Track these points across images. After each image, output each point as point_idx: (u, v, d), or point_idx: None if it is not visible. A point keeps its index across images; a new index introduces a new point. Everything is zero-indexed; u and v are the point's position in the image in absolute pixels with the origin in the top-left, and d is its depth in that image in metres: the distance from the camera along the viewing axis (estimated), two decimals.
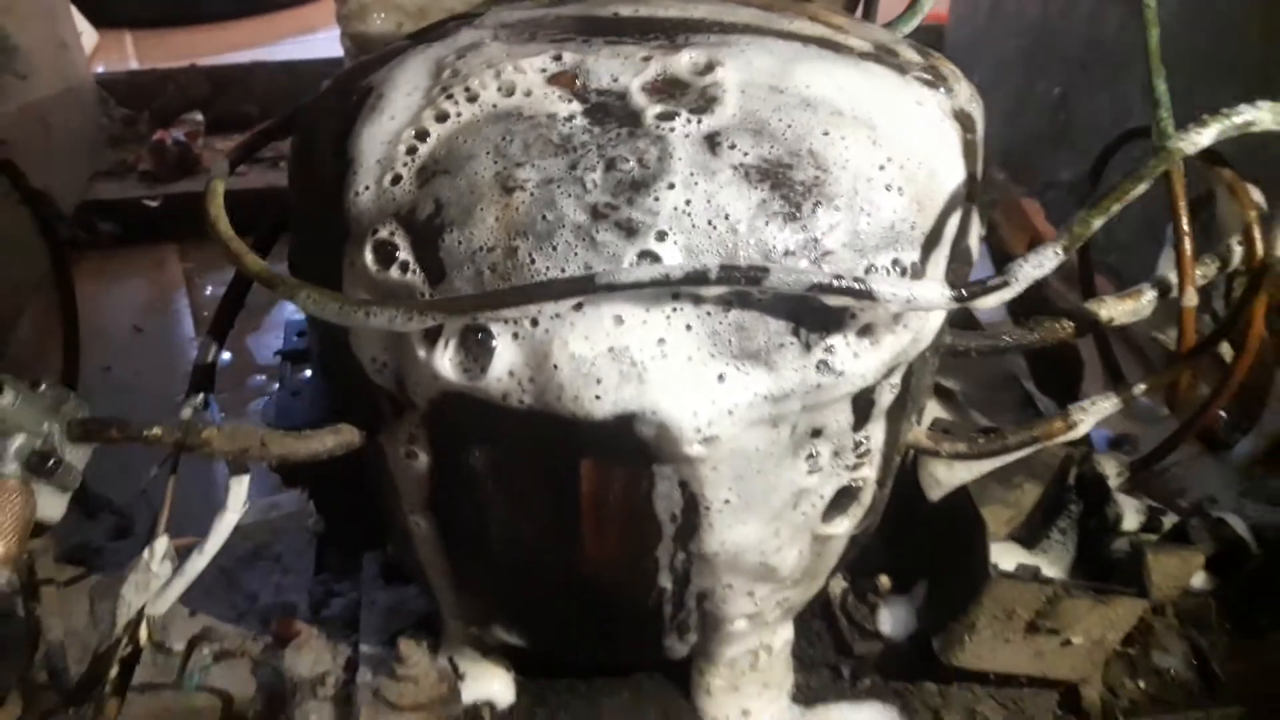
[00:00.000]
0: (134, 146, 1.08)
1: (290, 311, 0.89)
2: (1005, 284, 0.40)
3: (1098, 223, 0.40)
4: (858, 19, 0.52)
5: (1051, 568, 0.59)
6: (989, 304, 0.41)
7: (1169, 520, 0.59)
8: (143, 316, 0.92)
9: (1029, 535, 0.60)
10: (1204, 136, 0.39)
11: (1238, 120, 0.39)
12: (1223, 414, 0.59)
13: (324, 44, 1.46)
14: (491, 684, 0.57)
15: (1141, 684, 0.59)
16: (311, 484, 0.57)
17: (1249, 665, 0.60)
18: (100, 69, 1.18)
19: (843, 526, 0.50)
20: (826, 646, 0.60)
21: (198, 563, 0.45)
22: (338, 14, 0.67)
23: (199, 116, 1.09)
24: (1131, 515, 0.58)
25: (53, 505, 0.40)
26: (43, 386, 0.41)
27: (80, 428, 0.40)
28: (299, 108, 0.50)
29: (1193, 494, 0.68)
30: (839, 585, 0.60)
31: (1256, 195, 0.50)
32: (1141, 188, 0.40)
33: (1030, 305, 0.58)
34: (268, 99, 1.12)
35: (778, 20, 0.48)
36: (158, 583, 0.43)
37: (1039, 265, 0.40)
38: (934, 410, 0.62)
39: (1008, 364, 0.69)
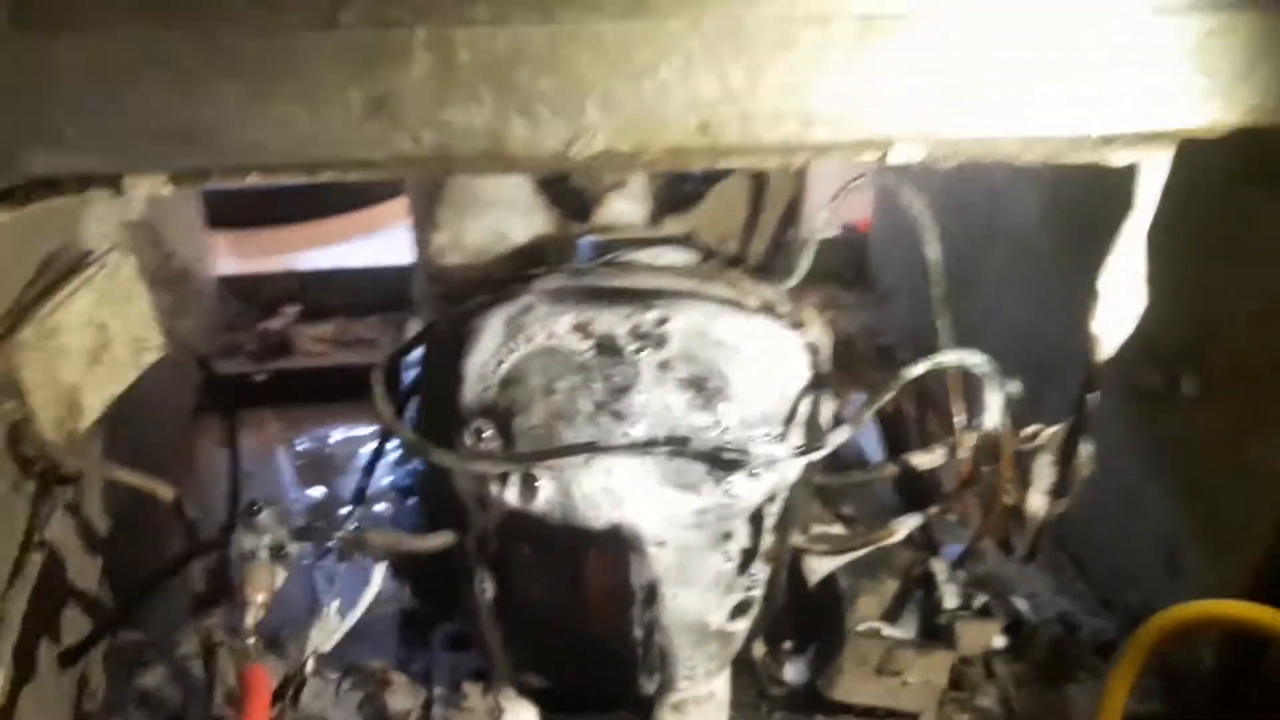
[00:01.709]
0: (242, 332, 1.39)
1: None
2: (819, 447, 0.71)
3: (867, 415, 0.71)
4: (757, 280, 0.83)
5: (905, 635, 0.87)
6: (815, 457, 0.71)
7: (979, 601, 0.88)
8: (252, 463, 1.18)
9: (889, 615, 0.88)
10: (915, 370, 0.71)
11: (932, 361, 0.70)
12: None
13: (381, 244, 1.78)
14: (523, 716, 0.84)
15: (966, 717, 0.87)
16: (412, 574, 0.86)
17: (1040, 704, 0.88)
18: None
19: (742, 625, 0.79)
20: (750, 690, 0.87)
21: (352, 617, 0.73)
22: (429, 255, 1.00)
23: (294, 309, 1.41)
24: (951, 598, 0.86)
25: (278, 580, 0.69)
26: (266, 510, 0.70)
27: (298, 532, 0.70)
28: (428, 330, 0.81)
29: (1019, 591, 0.97)
30: (760, 649, 0.88)
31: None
32: (884, 398, 0.71)
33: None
34: (347, 296, 1.44)
35: (707, 286, 0.79)
36: (335, 630, 0.72)
37: (839, 438, 0.71)
38: (836, 527, 0.91)
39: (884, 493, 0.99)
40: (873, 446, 1.04)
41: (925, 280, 0.84)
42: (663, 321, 0.74)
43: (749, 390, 0.71)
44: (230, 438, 0.97)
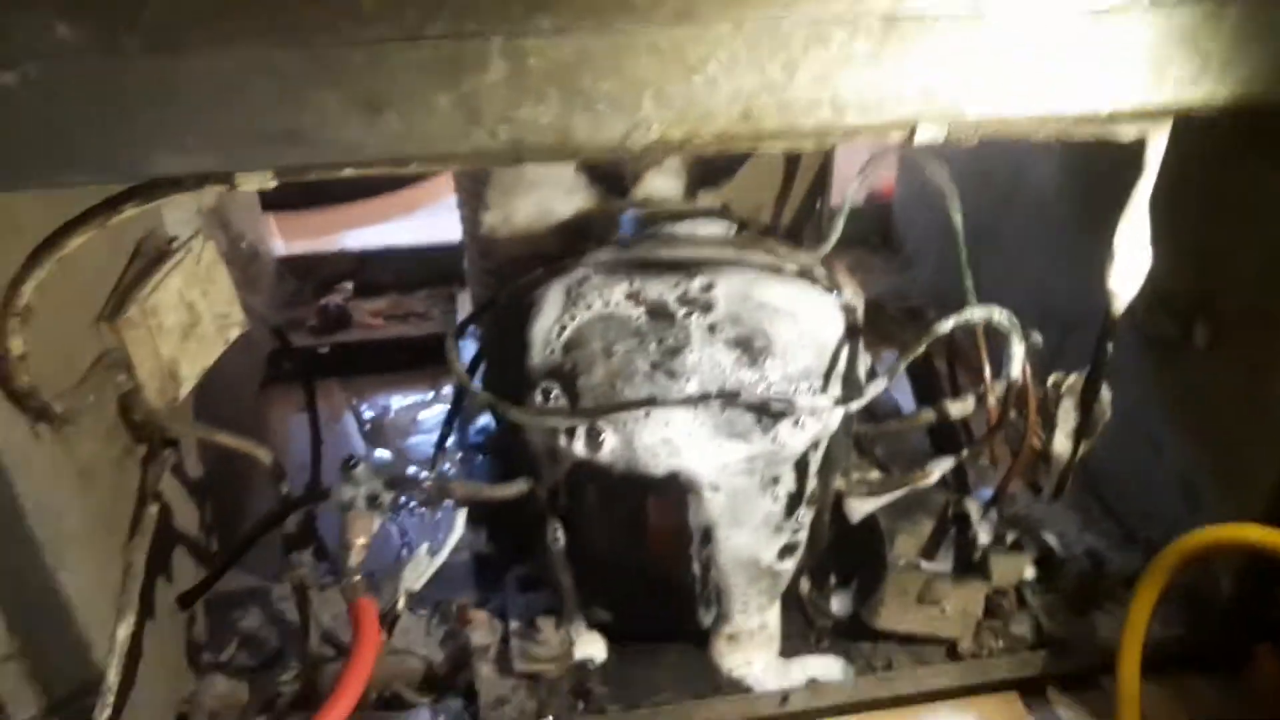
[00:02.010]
0: (301, 308, 1.47)
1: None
2: (858, 397, 0.77)
3: (902, 367, 0.78)
4: (793, 248, 0.90)
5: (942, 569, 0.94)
6: (854, 407, 0.78)
7: (1010, 537, 0.94)
8: (321, 429, 1.24)
9: (927, 552, 0.95)
10: (944, 326, 0.77)
11: (963, 316, 0.76)
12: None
13: (421, 222, 1.85)
14: (593, 647, 0.92)
15: (999, 642, 0.94)
16: (487, 522, 0.94)
17: (1071, 631, 0.94)
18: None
19: (790, 563, 0.86)
20: (798, 622, 0.95)
21: (440, 558, 0.81)
22: (481, 233, 1.07)
23: (349, 285, 1.49)
24: (984, 534, 0.92)
25: (375, 526, 0.77)
26: (362, 464, 0.78)
27: (390, 482, 0.77)
28: (492, 302, 0.89)
29: (1049, 529, 1.03)
30: (806, 585, 0.96)
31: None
32: (917, 350, 0.78)
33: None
34: (399, 273, 1.51)
35: (748, 255, 0.86)
36: (426, 569, 0.80)
37: (875, 389, 0.77)
38: (874, 473, 0.98)
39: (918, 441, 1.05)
40: (905, 400, 1.11)
41: (949, 244, 0.90)
42: (709, 287, 0.81)
43: (791, 348, 0.78)
44: (310, 404, 1.05)
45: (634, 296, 0.80)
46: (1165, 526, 0.97)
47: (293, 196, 1.84)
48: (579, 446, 0.77)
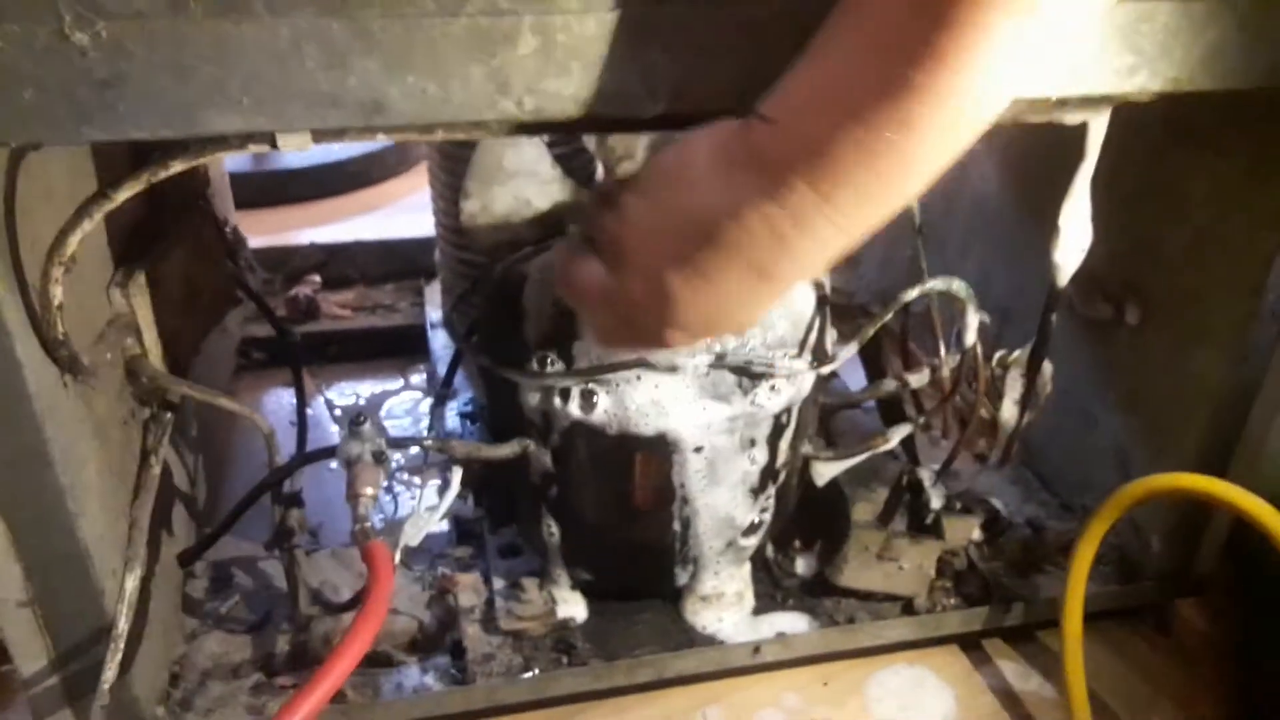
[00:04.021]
0: (271, 300, 1.50)
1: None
2: (831, 361, 0.84)
3: (869, 334, 0.85)
4: None
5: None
6: (828, 370, 0.85)
7: (959, 503, 1.02)
8: (293, 415, 1.27)
9: (883, 518, 1.02)
10: (909, 296, 0.85)
11: (926, 286, 0.84)
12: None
13: (382, 220, 1.90)
14: (575, 607, 0.97)
15: (953, 600, 1.02)
16: (477, 485, 0.99)
17: (1017, 587, 1.02)
18: None
19: (754, 540, 0.93)
20: (766, 584, 1.01)
21: (436, 516, 0.86)
22: (462, 220, 1.13)
23: (317, 278, 1.52)
24: (936, 499, 1.00)
25: (380, 479, 0.82)
26: (368, 422, 0.83)
27: (393, 440, 0.82)
28: (482, 280, 0.94)
29: (981, 491, 1.12)
30: (770, 550, 1.02)
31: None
32: (884, 319, 0.85)
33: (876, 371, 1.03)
34: (365, 265, 1.55)
35: None
36: (424, 524, 0.84)
37: (846, 354, 0.85)
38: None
39: (872, 420, 1.13)
40: (855, 386, 1.18)
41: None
42: None
43: (770, 318, 0.84)
44: (297, 382, 1.09)
45: None
46: (1100, 495, 1.06)
47: (257, 194, 1.88)
48: (573, 407, 0.83)
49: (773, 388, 0.84)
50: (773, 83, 0.66)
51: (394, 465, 0.82)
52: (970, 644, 1.03)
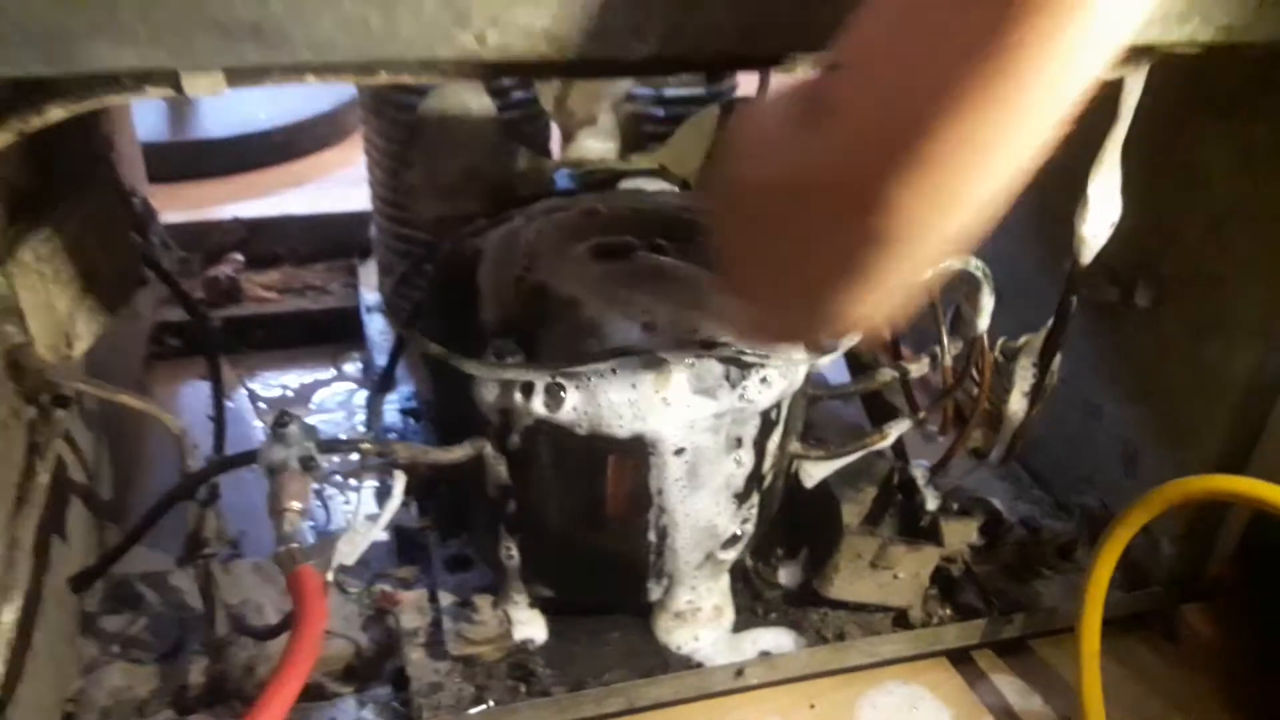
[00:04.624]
0: (188, 280, 1.37)
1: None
2: (835, 348, 0.74)
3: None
4: None
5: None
6: (827, 360, 0.75)
7: (956, 504, 0.93)
8: (211, 408, 1.15)
9: (871, 520, 0.93)
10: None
11: (942, 265, 0.75)
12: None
13: (312, 194, 1.77)
14: (534, 628, 0.86)
15: (948, 610, 0.93)
16: (421, 491, 0.88)
17: (1015, 596, 0.94)
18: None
19: (746, 529, 0.83)
20: (746, 596, 0.91)
21: (375, 529, 0.74)
22: (404, 192, 1.01)
23: (240, 257, 1.39)
24: (932, 500, 0.91)
25: (309, 491, 0.70)
26: (294, 423, 0.71)
27: (324, 443, 0.70)
28: (428, 256, 0.82)
29: (970, 489, 1.03)
30: (749, 559, 0.92)
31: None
32: None
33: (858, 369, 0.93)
34: (292, 242, 1.42)
35: (697, 206, 0.82)
36: (361, 540, 0.73)
37: (848, 342, 0.75)
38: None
39: (851, 413, 1.04)
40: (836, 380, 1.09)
41: None
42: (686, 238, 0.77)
43: None
44: (214, 374, 0.96)
45: (598, 248, 0.75)
46: (1102, 491, 0.99)
47: (173, 166, 1.74)
48: (537, 404, 0.72)
49: (763, 380, 0.74)
50: (783, 21, 0.57)
51: (326, 470, 0.70)
52: (961, 656, 0.94)
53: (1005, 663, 0.95)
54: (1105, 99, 0.71)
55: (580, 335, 0.71)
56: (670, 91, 1.12)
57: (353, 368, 1.31)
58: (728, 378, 0.73)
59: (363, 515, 0.73)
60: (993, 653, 0.95)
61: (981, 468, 1.00)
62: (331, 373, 1.32)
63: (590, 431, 0.72)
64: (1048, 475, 1.07)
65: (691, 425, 0.73)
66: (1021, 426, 0.86)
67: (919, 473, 0.92)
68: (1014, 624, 0.92)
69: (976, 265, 0.75)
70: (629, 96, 1.09)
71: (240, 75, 0.53)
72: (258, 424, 1.21)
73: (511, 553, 0.82)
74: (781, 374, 0.74)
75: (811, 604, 0.90)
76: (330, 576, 0.74)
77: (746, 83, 1.16)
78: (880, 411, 0.97)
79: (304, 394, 1.27)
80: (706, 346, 0.70)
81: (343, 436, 1.08)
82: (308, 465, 0.69)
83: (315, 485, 0.69)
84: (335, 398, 1.27)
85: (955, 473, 0.94)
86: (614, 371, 0.70)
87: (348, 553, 0.73)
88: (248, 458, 0.71)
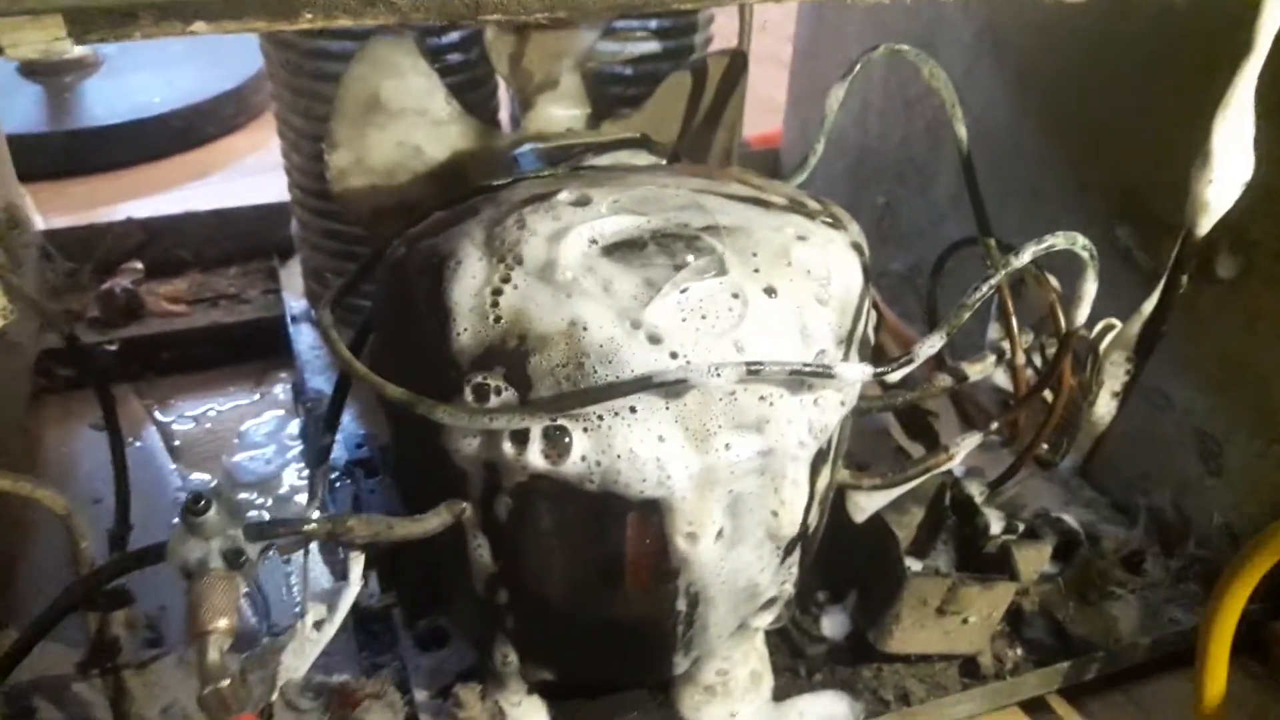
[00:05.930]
0: (77, 296, 1.17)
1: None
2: (910, 360, 0.59)
3: (966, 315, 0.59)
4: (768, 179, 0.70)
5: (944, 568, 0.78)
6: (897, 376, 0.59)
7: (1021, 524, 0.79)
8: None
9: (918, 549, 0.78)
10: (1023, 258, 0.59)
11: (1043, 245, 0.59)
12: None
13: (219, 187, 1.57)
14: (532, 717, 0.70)
15: (1018, 650, 0.79)
16: (385, 564, 0.70)
17: (1090, 628, 0.80)
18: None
19: (770, 616, 0.68)
20: (784, 654, 0.76)
21: (329, 631, 0.57)
22: (329, 177, 0.83)
23: (138, 265, 1.19)
24: (995, 523, 0.77)
25: (239, 597, 0.52)
26: (214, 504, 0.53)
27: (255, 529, 0.53)
28: (374, 261, 0.65)
29: (1030, 506, 0.89)
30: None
31: (1054, 282, 0.71)
32: (988, 290, 0.59)
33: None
34: (199, 244, 1.22)
35: (719, 185, 0.66)
36: (312, 648, 0.56)
37: (931, 347, 0.59)
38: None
39: (880, 426, 0.88)
40: None
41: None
42: (710, 226, 0.60)
43: (807, 303, 0.58)
44: (109, 419, 0.77)
45: (595, 241, 0.58)
46: (1173, 488, 0.85)
47: (54, 160, 1.53)
48: (534, 455, 0.55)
49: (815, 403, 0.58)
50: None
51: (262, 560, 0.52)
52: (1036, 702, 0.80)
53: (1073, 708, 0.81)
54: (1231, 24, 0.56)
55: (587, 363, 0.54)
56: (637, 47, 0.96)
57: (281, 389, 1.13)
58: (774, 405, 0.56)
59: (310, 618, 0.55)
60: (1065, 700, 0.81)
61: (1037, 478, 0.86)
62: (255, 396, 1.13)
63: (603, 487, 0.55)
64: (1099, 473, 0.93)
65: (731, 470, 0.57)
66: (1108, 429, 0.71)
67: (975, 488, 0.78)
68: (1095, 663, 0.78)
69: (1085, 245, 0.59)
70: (592, 53, 0.92)
71: (88, 22, 0.35)
72: (173, 466, 1.02)
73: (504, 632, 0.65)
74: (839, 393, 0.59)
75: (861, 657, 0.75)
76: (275, 695, 0.57)
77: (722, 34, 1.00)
78: (916, 420, 0.83)
79: (225, 429, 1.08)
80: (752, 370, 0.54)
81: (278, 516, 0.90)
82: (234, 562, 0.51)
83: (245, 588, 0.51)
84: (263, 428, 1.08)
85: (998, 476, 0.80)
86: (632, 410, 0.54)
87: (295, 665, 0.56)
88: (155, 554, 0.53)
